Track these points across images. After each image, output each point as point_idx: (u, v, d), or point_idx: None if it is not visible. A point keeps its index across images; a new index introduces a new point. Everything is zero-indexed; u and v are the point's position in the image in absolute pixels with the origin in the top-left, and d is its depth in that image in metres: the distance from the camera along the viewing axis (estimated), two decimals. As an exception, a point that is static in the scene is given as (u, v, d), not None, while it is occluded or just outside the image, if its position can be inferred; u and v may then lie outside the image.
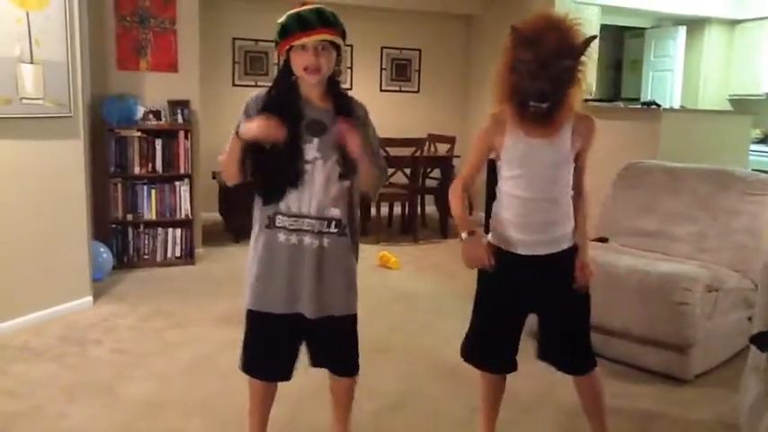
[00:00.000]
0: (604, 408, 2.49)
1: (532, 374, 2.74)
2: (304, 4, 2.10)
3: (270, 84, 2.23)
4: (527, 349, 2.48)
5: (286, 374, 2.33)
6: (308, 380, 2.53)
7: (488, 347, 2.44)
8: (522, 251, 2.28)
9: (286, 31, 2.06)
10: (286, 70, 2.15)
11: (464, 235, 2.30)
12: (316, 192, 2.15)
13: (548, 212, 2.26)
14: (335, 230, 2.19)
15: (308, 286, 2.18)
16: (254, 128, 2.04)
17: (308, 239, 2.17)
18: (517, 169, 2.25)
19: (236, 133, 2.10)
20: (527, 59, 2.07)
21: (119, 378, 3.23)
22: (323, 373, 2.40)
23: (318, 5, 2.07)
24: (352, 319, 2.31)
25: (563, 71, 2.07)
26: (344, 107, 2.18)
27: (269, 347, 2.29)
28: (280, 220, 2.18)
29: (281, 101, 2.13)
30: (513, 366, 2.46)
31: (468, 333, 2.47)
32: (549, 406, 3.04)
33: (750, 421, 2.38)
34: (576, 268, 2.29)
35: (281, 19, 2.09)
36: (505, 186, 2.30)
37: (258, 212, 2.23)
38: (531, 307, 2.40)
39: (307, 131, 2.13)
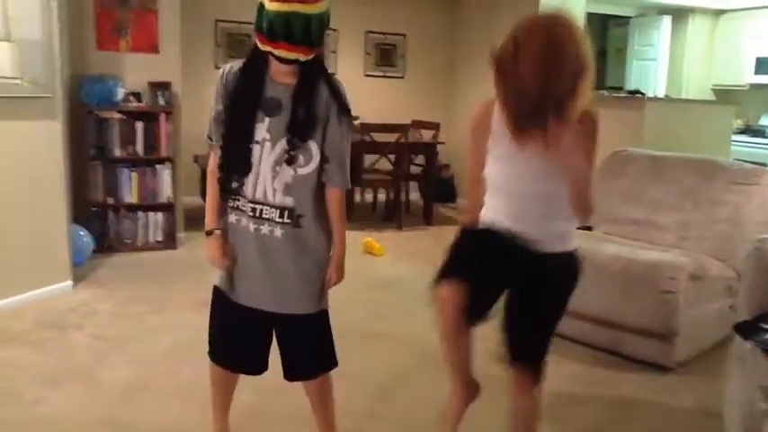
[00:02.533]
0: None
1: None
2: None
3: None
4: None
5: (252, 367, 2.25)
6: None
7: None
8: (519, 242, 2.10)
9: (270, 34, 1.88)
10: (257, 49, 1.98)
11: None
12: (263, 176, 2.01)
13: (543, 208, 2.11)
14: (288, 221, 2.03)
15: (259, 278, 2.07)
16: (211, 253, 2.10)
17: (252, 226, 2.04)
18: (505, 161, 2.09)
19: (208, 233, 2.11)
20: (525, 81, 1.87)
21: (98, 363, 3.18)
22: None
23: (305, 10, 1.86)
24: (311, 320, 2.13)
25: (564, 93, 1.87)
26: (306, 85, 1.99)
27: (232, 335, 2.20)
28: (232, 200, 2.07)
29: (247, 80, 2.01)
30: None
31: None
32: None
33: (735, 409, 2.39)
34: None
35: (270, 5, 1.86)
36: (494, 177, 2.15)
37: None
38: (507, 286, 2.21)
39: (262, 111, 2.00)
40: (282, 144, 1.98)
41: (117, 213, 5.14)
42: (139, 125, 5.08)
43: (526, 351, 2.24)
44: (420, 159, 7.01)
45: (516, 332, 2.25)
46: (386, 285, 4.64)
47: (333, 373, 2.28)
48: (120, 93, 5.02)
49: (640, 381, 3.24)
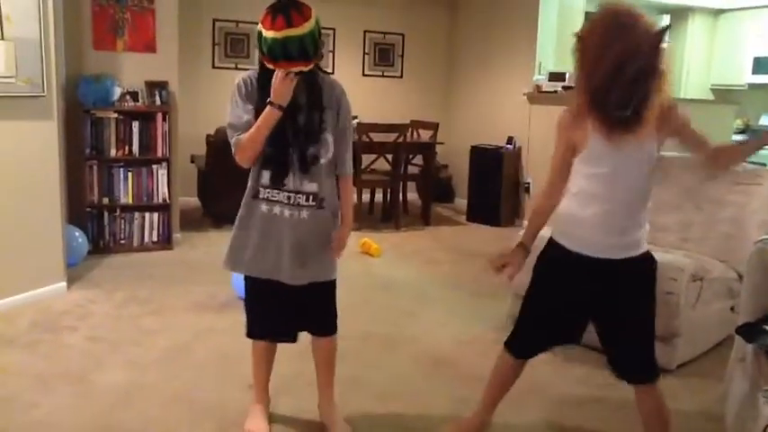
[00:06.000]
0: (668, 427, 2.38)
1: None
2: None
3: (251, 66, 2.39)
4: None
5: (285, 335, 2.53)
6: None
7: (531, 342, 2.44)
8: (592, 253, 2.19)
9: (271, 56, 2.16)
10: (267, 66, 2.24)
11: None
12: (295, 168, 2.31)
13: (624, 215, 2.17)
14: (313, 203, 2.34)
15: (287, 255, 2.34)
16: (283, 88, 2.17)
17: (287, 212, 2.33)
18: (596, 168, 2.14)
19: (270, 104, 2.19)
20: (601, 68, 1.96)
21: (93, 366, 3.14)
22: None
23: (296, 33, 2.11)
24: (332, 285, 2.47)
25: (639, 72, 1.95)
26: (317, 95, 2.31)
27: (264, 310, 2.49)
28: (262, 193, 2.34)
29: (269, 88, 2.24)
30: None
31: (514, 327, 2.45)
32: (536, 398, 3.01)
33: (737, 412, 2.37)
34: None
35: (267, 33, 2.13)
36: (583, 184, 2.19)
37: (249, 182, 2.38)
38: (588, 313, 2.34)
39: (290, 112, 2.26)
40: (308, 139, 2.29)
41: (112, 214, 5.11)
42: (136, 125, 5.04)
43: (627, 361, 2.32)
44: (418, 159, 6.98)
45: (613, 347, 2.33)
46: (384, 286, 4.60)
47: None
48: (117, 92, 4.99)
49: (641, 383, 3.20)
